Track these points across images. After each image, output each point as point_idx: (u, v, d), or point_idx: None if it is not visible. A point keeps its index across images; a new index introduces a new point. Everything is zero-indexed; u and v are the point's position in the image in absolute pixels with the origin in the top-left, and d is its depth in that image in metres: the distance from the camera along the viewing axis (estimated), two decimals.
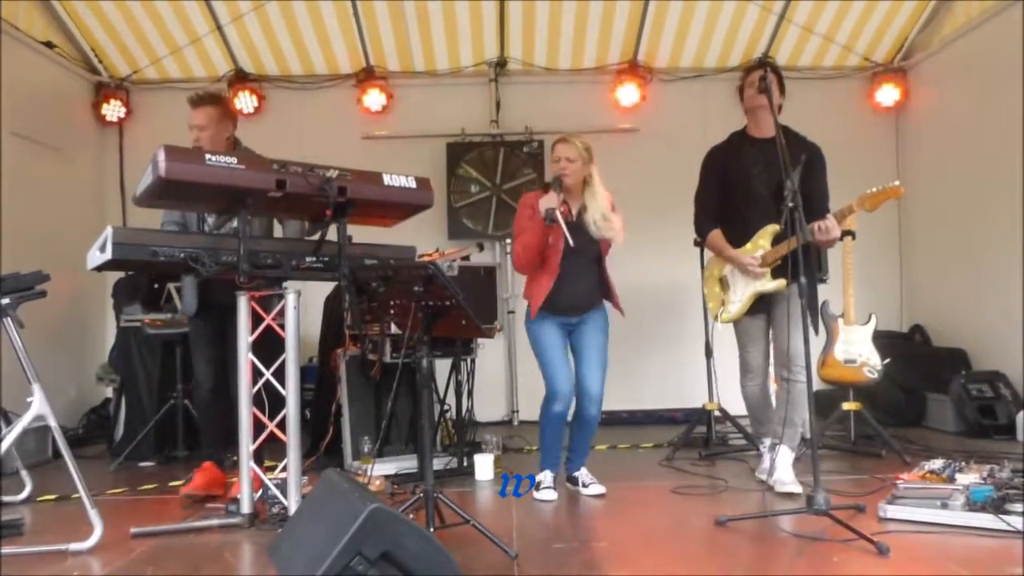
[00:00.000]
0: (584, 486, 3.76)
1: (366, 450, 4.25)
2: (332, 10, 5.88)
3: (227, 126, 3.72)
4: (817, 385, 3.41)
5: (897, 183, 3.45)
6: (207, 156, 2.81)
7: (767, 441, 3.92)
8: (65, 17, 5.76)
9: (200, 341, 3.86)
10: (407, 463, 4.20)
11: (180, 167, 2.73)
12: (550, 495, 3.67)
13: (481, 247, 4.89)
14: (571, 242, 3.53)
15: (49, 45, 5.61)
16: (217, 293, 3.66)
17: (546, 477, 3.76)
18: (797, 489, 3.53)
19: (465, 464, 4.27)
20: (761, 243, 3.72)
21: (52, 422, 3.07)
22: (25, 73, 5.36)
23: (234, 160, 2.84)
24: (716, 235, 3.85)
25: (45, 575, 2.75)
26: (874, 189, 3.49)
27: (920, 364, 5.64)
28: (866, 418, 4.59)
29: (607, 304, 3.83)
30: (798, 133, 3.80)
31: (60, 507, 3.76)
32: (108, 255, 2.84)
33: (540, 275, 3.68)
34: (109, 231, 2.85)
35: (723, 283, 3.91)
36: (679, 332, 5.88)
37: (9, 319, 3.05)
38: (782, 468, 3.63)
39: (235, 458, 3.44)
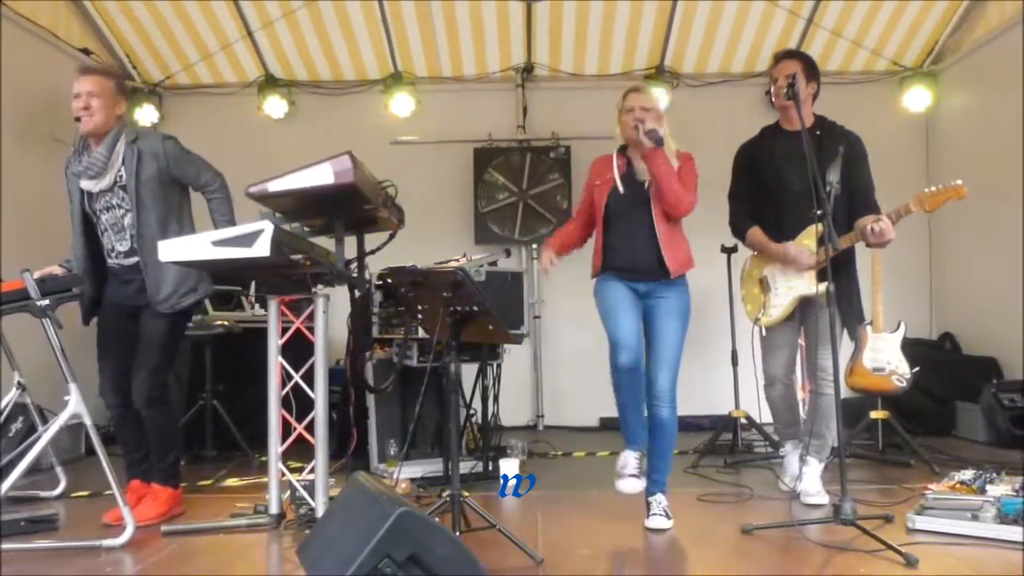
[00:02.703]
0: (648, 515, 3.28)
1: (392, 453, 4.28)
2: (361, 17, 5.94)
3: (120, 102, 3.45)
4: (845, 393, 3.39)
5: (959, 182, 3.25)
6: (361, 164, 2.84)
7: (788, 445, 3.88)
8: (101, 24, 5.88)
9: (109, 347, 3.51)
10: (432, 467, 4.23)
11: (358, 174, 2.77)
12: (631, 487, 3.28)
13: (508, 253, 4.90)
14: (621, 190, 3.32)
15: (86, 52, 5.73)
16: (113, 294, 3.51)
17: (627, 461, 3.30)
18: (823, 500, 3.49)
19: (490, 468, 4.29)
20: (805, 243, 3.55)
21: (87, 420, 3.14)
22: (65, 79, 5.43)
23: (367, 170, 2.91)
24: (756, 232, 3.70)
25: (79, 571, 2.81)
26: (933, 188, 3.32)
27: (950, 372, 5.57)
28: (895, 427, 4.55)
29: (687, 278, 3.38)
30: (835, 123, 3.68)
31: (93, 503, 3.84)
32: (261, 252, 2.76)
33: (596, 234, 3.45)
34: (269, 227, 2.77)
35: (763, 284, 3.74)
36: (705, 338, 5.82)
37: (48, 320, 3.12)
38: (809, 479, 3.59)
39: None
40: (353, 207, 3.07)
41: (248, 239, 2.78)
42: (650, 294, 3.33)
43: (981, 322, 5.77)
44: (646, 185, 3.32)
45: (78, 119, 3.35)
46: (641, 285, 3.33)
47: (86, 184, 3.43)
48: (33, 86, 5.15)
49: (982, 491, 3.16)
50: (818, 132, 3.61)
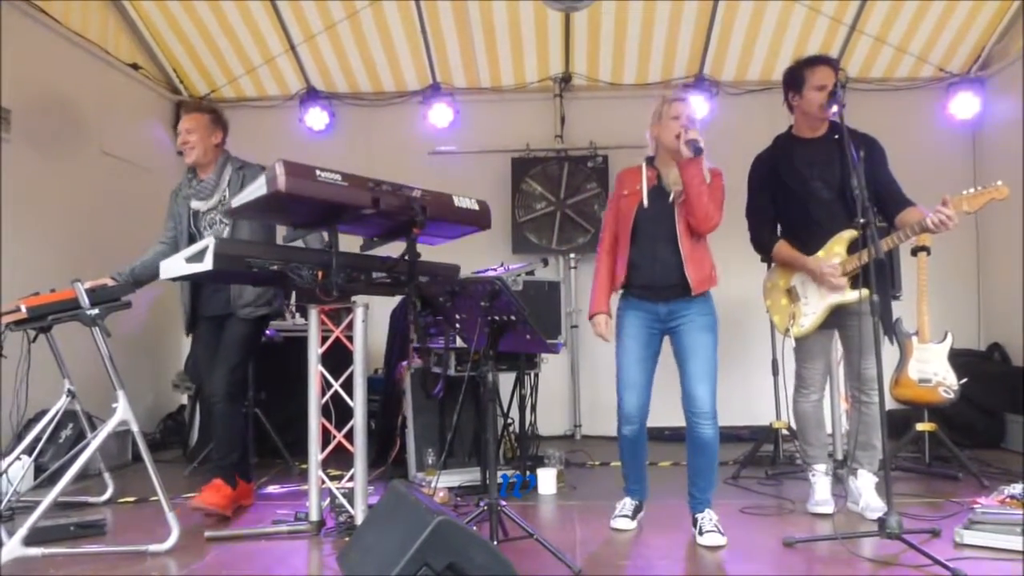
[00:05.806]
0: (700, 533, 3.19)
1: (430, 462, 4.30)
2: (400, 29, 6.01)
3: (216, 133, 3.83)
4: (890, 405, 3.31)
5: (1000, 183, 3.23)
6: (317, 172, 2.83)
7: (820, 467, 3.69)
8: (149, 39, 6.03)
9: (204, 354, 3.92)
10: (470, 475, 4.24)
11: (296, 182, 2.76)
12: (623, 524, 3.42)
13: (545, 262, 4.91)
14: (646, 203, 3.31)
15: (135, 67, 5.89)
16: (206, 306, 3.85)
17: (624, 505, 3.49)
18: None
19: (528, 477, 4.28)
20: (836, 250, 3.49)
21: (134, 427, 3.21)
22: (114, 94, 5.64)
23: (339, 176, 2.88)
24: (783, 246, 3.61)
25: (125, 575, 2.87)
26: (971, 191, 3.28)
27: (999, 384, 5.43)
28: (942, 439, 4.44)
29: (712, 293, 3.36)
30: (849, 127, 3.59)
31: (139, 509, 3.93)
32: (207, 265, 2.86)
33: (618, 252, 3.44)
34: (212, 242, 2.88)
35: (792, 294, 3.65)
36: (745, 348, 5.79)
37: (97, 328, 3.20)
38: (870, 493, 3.52)
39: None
40: (335, 215, 3.05)
41: (201, 255, 2.90)
42: (673, 315, 3.32)
43: None
44: (671, 197, 3.29)
45: (180, 152, 3.87)
46: (662, 307, 3.33)
47: (196, 204, 3.83)
48: (84, 100, 5.30)
49: None
50: (836, 137, 3.55)
